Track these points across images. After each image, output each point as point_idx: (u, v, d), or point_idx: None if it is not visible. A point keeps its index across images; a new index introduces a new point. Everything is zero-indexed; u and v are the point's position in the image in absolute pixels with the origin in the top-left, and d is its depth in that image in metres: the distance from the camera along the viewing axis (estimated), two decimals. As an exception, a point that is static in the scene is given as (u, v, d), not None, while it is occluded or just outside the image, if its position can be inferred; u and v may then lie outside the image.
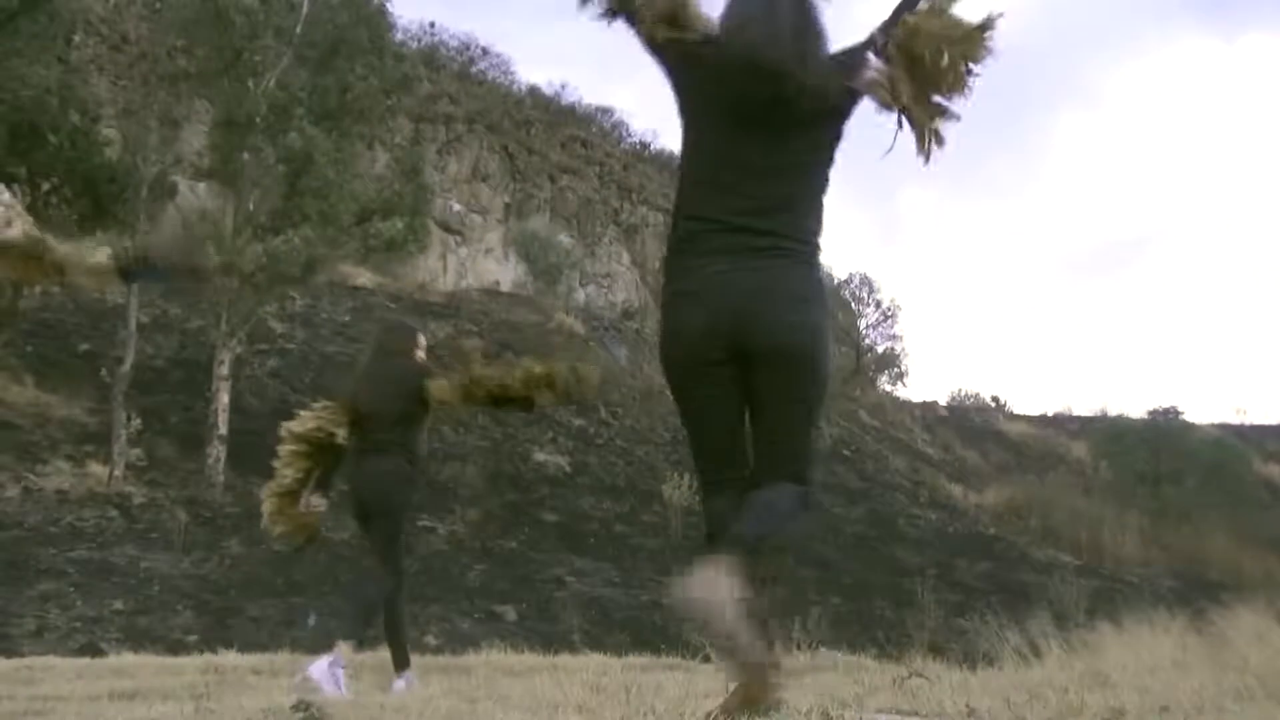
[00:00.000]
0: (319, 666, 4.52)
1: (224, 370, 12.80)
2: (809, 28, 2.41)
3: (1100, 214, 78.83)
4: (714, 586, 2.14)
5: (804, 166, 2.41)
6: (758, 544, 2.24)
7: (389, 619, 5.00)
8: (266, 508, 4.97)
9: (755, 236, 2.35)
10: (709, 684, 3.62)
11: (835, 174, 2.46)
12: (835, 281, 30.05)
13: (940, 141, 2.37)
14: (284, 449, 4.98)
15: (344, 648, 4.61)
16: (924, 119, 2.35)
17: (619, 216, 28.25)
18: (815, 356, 2.38)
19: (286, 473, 4.94)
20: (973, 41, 2.28)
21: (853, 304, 30.35)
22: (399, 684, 4.82)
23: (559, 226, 26.15)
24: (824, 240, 2.45)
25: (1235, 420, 35.41)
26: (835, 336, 27.73)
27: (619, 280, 27.89)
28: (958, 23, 2.30)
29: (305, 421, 4.95)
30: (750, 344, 2.34)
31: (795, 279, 2.37)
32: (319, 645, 5.17)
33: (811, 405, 2.42)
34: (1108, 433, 28.34)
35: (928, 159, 2.39)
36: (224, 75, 12.88)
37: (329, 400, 5.07)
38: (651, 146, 30.25)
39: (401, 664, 4.95)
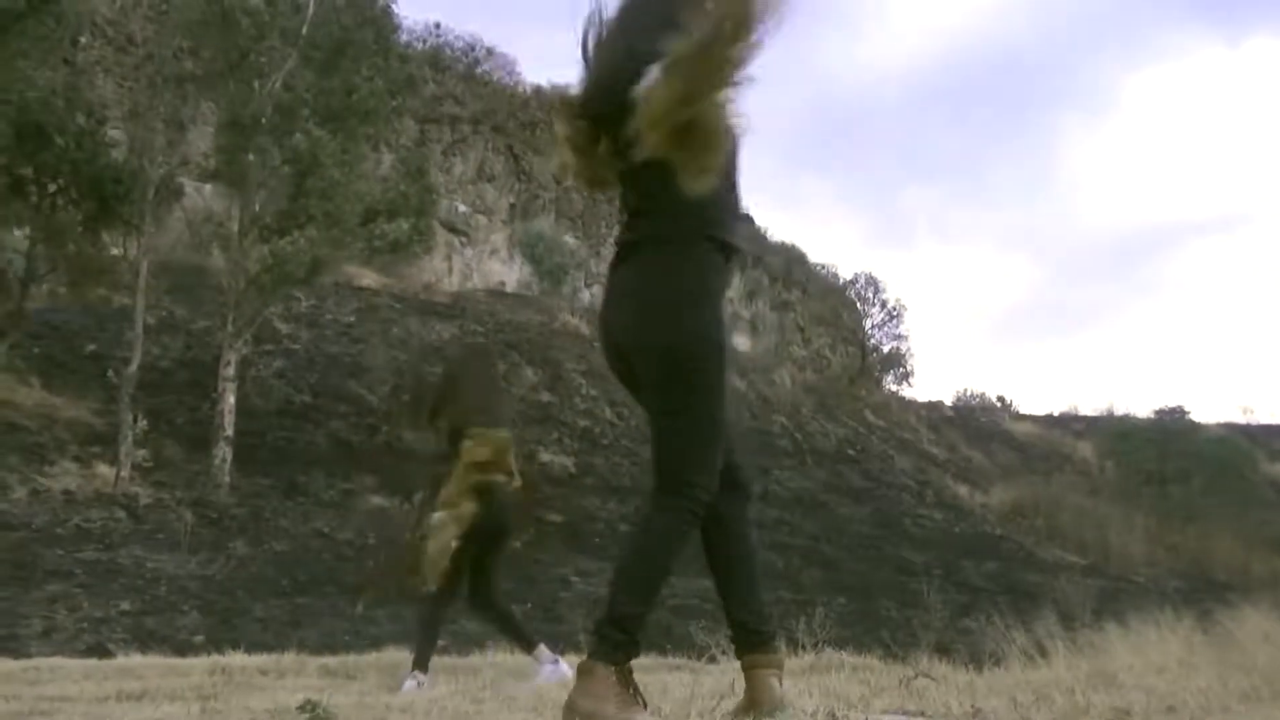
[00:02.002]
0: (551, 659, 4.96)
1: (229, 371, 12.82)
2: (615, 37, 2.33)
3: (1106, 214, 78.65)
4: (596, 698, 2.14)
5: (657, 165, 2.26)
6: (621, 624, 2.21)
7: (431, 619, 5.09)
8: (435, 557, 4.73)
9: (627, 248, 2.35)
10: (715, 685, 3.62)
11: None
12: (840, 281, 30.07)
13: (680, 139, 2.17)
14: (460, 484, 4.77)
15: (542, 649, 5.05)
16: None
17: (623, 217, 28.25)
18: (656, 347, 2.24)
19: (466, 508, 4.77)
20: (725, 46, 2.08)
21: (858, 304, 30.35)
22: (409, 684, 4.82)
23: (564, 227, 26.13)
24: (703, 226, 2.29)
25: (1242, 420, 35.46)
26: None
27: (624, 280, 27.87)
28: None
29: (501, 451, 4.82)
30: (618, 351, 2.35)
31: (641, 276, 2.29)
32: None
33: (669, 401, 2.24)
34: (1114, 432, 28.33)
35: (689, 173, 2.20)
36: (230, 77, 12.90)
37: (497, 430, 4.93)
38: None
39: (420, 664, 4.96)
